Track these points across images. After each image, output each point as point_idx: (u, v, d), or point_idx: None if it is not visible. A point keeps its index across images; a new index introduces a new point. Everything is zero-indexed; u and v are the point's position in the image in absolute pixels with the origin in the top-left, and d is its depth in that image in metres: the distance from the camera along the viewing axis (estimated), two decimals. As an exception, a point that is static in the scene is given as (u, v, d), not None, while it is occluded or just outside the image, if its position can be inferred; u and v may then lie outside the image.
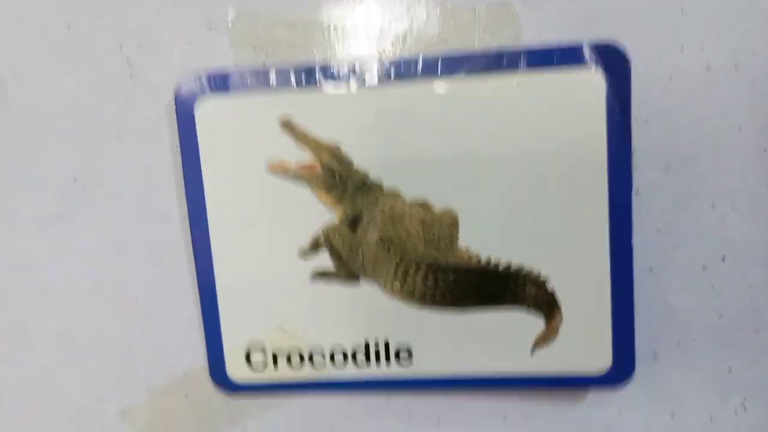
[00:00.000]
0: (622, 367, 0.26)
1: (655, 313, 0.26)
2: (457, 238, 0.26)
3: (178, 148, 0.26)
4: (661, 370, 0.27)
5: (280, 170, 0.26)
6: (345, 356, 0.28)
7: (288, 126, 0.26)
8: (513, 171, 0.26)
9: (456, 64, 0.25)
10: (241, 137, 0.26)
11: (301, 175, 0.26)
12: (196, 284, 0.27)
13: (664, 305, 0.26)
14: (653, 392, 0.27)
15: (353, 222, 0.27)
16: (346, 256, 0.27)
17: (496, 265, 0.26)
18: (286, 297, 0.27)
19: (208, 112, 0.26)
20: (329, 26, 0.26)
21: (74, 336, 0.28)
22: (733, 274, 0.26)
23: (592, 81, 0.25)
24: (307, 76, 0.26)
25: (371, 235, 0.27)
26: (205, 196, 0.27)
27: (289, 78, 0.26)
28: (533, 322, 0.26)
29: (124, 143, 0.27)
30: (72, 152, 0.27)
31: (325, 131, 0.26)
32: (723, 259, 0.26)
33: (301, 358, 0.28)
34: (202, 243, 0.27)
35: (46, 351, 0.28)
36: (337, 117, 0.26)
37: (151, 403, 0.29)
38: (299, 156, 0.26)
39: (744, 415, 0.27)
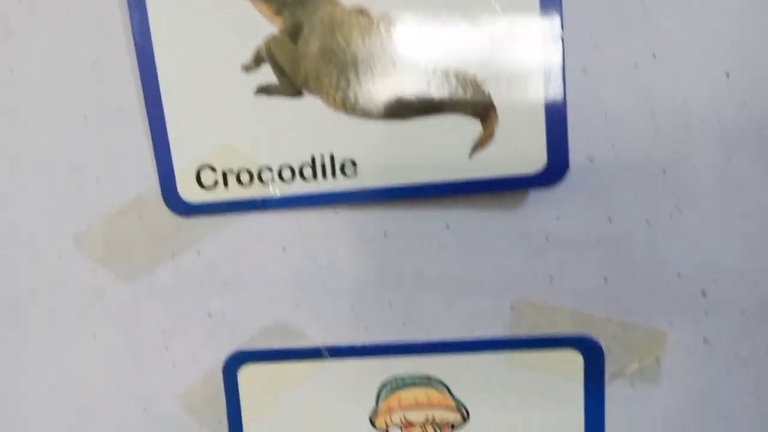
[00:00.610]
0: (557, 166, 0.27)
1: (590, 116, 0.27)
2: (395, 45, 0.27)
3: (119, -37, 0.27)
4: (596, 174, 0.28)
5: (219, -20, 0.27)
6: (293, 172, 0.28)
7: (224, -66, 0.26)
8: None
9: None
10: (179, -51, 0.27)
11: (240, -15, 0.27)
12: (143, 103, 0.28)
13: (598, 107, 0.27)
14: (590, 196, 0.28)
15: (293, 33, 0.27)
16: (288, 69, 0.28)
17: (435, 72, 0.27)
18: (232, 114, 0.28)
19: (145, -77, 0.27)
20: None
21: (22, 158, 0.29)
22: (663, 73, 0.27)
23: None
24: None
25: (312, 45, 0.27)
26: (149, 12, 0.27)
27: None
28: (471, 128, 0.27)
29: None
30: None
31: (261, -61, 0.26)
32: (654, 57, 0.27)
33: (251, 176, 0.29)
34: (147, 60, 0.28)
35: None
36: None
37: (105, 228, 0.30)
38: (238, -33, 0.27)
39: (679, 217, 0.28)
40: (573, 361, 0.30)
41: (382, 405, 0.31)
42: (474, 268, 0.29)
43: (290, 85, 0.28)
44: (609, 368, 0.30)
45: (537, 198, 0.28)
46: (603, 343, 0.29)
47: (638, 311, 0.29)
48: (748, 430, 0.30)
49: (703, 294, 0.29)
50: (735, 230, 0.28)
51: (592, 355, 0.30)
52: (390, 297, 0.30)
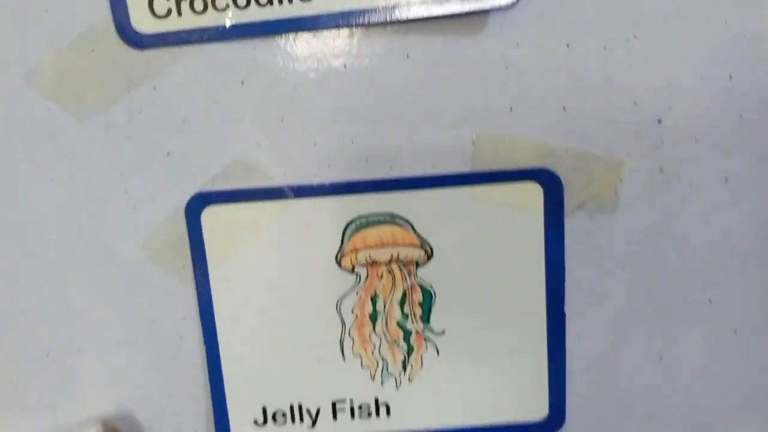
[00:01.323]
0: (516, -16, 0.27)
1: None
2: None
3: None
4: (555, -2, 0.28)
5: None
6: (248, -4, 0.28)
7: None
8: None
9: None
10: None
11: None
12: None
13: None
14: (548, 21, 0.28)
15: None
16: None
17: None
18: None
19: None
20: None
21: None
22: None
23: None
24: None
25: None
26: None
27: None
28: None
29: None
30: None
31: None
32: None
33: (204, 2, 0.28)
34: None
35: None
36: None
37: (56, 63, 0.29)
38: None
39: (635, 41, 0.29)
40: (533, 193, 0.30)
41: (348, 245, 0.31)
42: (435, 100, 0.29)
43: None
44: (568, 200, 0.30)
45: (496, 23, 0.28)
46: (562, 175, 0.30)
47: (596, 141, 0.30)
48: (703, 259, 0.31)
49: (659, 122, 0.30)
50: (690, 56, 0.29)
51: (552, 187, 0.30)
52: (352, 133, 0.30)
